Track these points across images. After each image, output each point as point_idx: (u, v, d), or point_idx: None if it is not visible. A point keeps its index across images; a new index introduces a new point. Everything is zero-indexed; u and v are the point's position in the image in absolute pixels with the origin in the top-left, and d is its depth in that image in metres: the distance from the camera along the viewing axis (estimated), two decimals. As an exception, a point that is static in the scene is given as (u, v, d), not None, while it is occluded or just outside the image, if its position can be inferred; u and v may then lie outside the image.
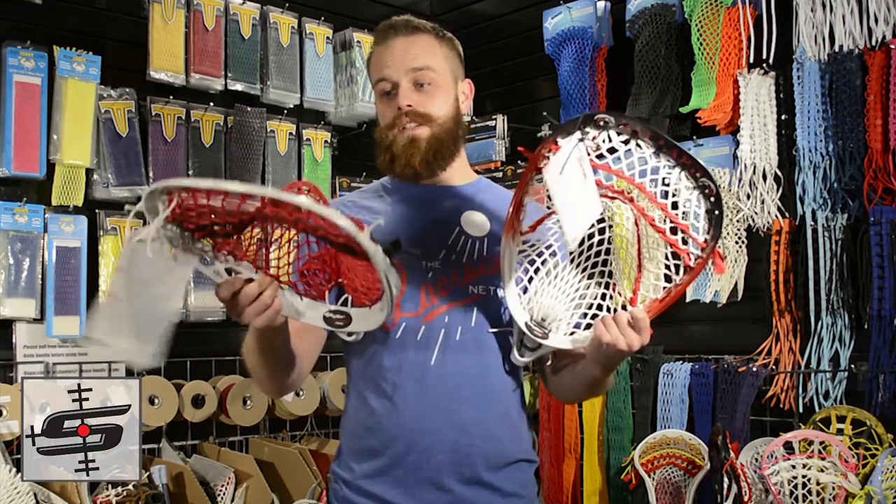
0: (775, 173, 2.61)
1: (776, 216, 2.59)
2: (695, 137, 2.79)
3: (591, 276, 1.46)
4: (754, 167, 2.62)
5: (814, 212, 2.50)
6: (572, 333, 1.44)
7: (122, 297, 1.23)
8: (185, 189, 1.18)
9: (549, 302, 1.44)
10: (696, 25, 2.76)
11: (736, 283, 2.70)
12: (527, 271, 1.46)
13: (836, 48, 2.46)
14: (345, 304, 1.37)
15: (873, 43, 2.41)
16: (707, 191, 1.30)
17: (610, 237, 1.46)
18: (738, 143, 2.66)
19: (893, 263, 2.34)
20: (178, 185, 1.18)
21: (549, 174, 1.26)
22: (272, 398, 2.95)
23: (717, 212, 1.30)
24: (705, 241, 1.31)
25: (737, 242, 2.70)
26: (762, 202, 2.62)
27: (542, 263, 1.46)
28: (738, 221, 2.68)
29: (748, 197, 2.64)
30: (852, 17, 2.43)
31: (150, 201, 1.20)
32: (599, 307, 1.44)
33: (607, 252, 1.46)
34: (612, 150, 1.31)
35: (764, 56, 2.60)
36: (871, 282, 2.37)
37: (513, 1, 3.46)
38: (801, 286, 2.52)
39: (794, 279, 2.55)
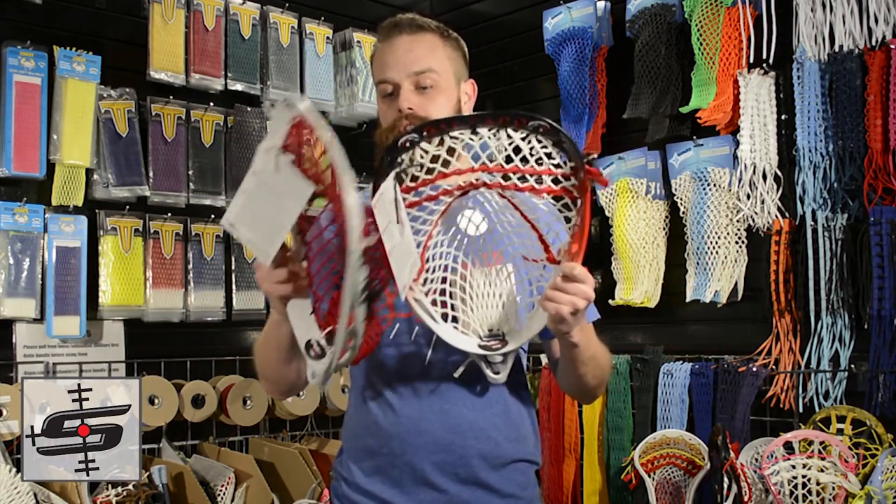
0: (775, 173, 2.61)
1: (776, 216, 2.59)
2: (695, 137, 2.79)
3: (492, 264, 1.43)
4: (754, 167, 2.62)
5: (814, 212, 2.50)
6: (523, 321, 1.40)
7: (251, 196, 1.27)
8: (305, 122, 1.20)
9: (482, 311, 1.40)
10: (696, 25, 2.76)
11: (736, 283, 2.70)
12: (443, 302, 1.40)
13: (836, 48, 2.46)
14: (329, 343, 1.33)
15: (873, 43, 2.41)
16: (542, 129, 1.27)
17: (485, 225, 1.44)
18: (738, 143, 2.66)
19: (893, 263, 2.34)
20: (306, 114, 1.19)
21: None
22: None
23: (561, 138, 1.27)
24: (572, 169, 1.28)
25: (737, 242, 2.70)
26: (762, 202, 2.62)
27: (451, 284, 1.41)
28: (738, 221, 2.68)
29: (748, 197, 2.64)
30: (852, 17, 2.43)
31: (279, 115, 1.23)
32: (529, 283, 1.42)
33: (491, 236, 1.44)
34: (435, 158, 1.31)
35: (764, 56, 2.60)
36: (871, 282, 2.37)
37: (513, 1, 3.46)
38: (801, 286, 2.52)
39: (794, 279, 2.55)
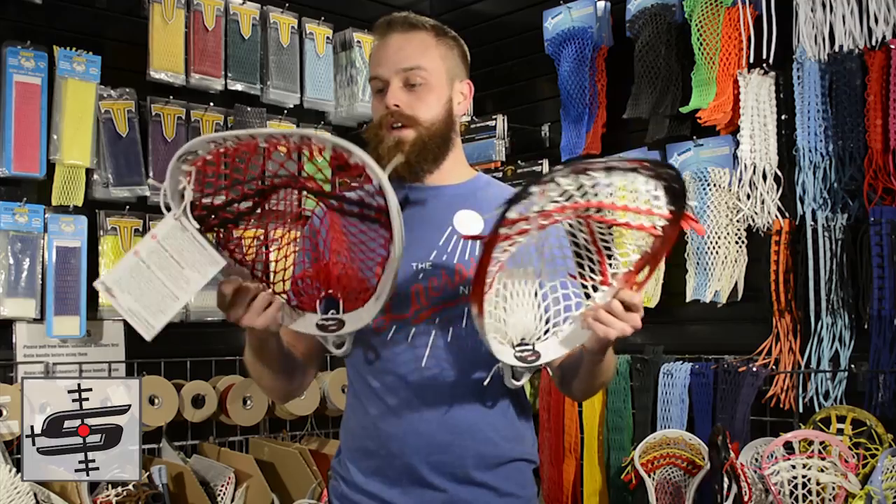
0: (775, 173, 2.61)
1: (776, 216, 2.59)
2: (695, 137, 2.79)
3: (540, 275, 1.43)
4: (754, 167, 2.62)
5: (814, 212, 2.50)
6: (554, 333, 1.42)
7: (145, 260, 1.25)
8: (210, 143, 1.22)
9: (519, 320, 1.41)
10: (696, 25, 2.76)
11: (736, 283, 2.70)
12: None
13: (836, 48, 2.46)
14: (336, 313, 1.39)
15: (873, 43, 2.41)
16: (664, 175, 1.28)
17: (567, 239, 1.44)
18: (738, 143, 2.66)
19: (893, 263, 2.34)
20: (202, 141, 1.22)
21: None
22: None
23: (675, 185, 1.28)
24: (670, 211, 1.30)
25: (737, 242, 2.70)
26: (762, 202, 2.62)
27: (497, 291, 1.41)
28: (738, 221, 2.68)
29: (748, 197, 2.64)
30: (852, 17, 2.43)
31: (173, 177, 1.24)
32: (568, 299, 1.42)
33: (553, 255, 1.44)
34: (565, 194, 1.29)
35: (764, 56, 2.60)
36: (871, 282, 2.37)
37: (513, 1, 3.46)
38: (801, 286, 2.52)
39: (794, 279, 2.55)
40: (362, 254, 1.37)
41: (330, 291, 1.38)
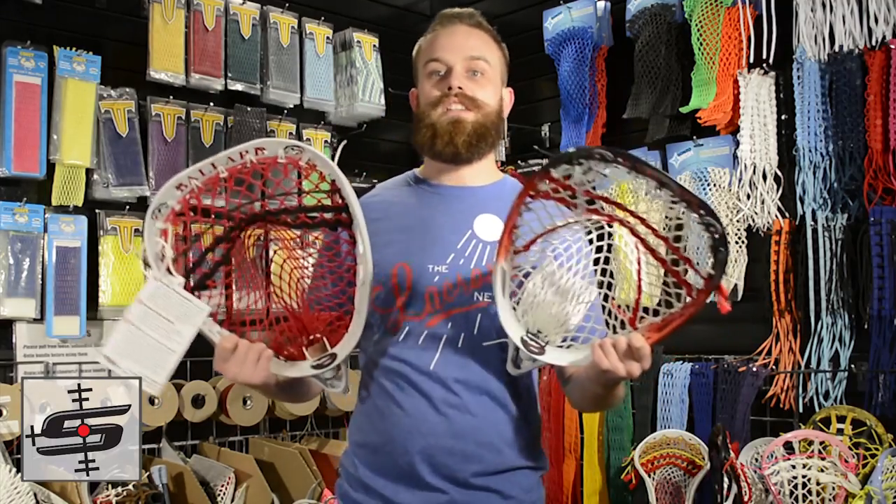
0: (775, 173, 2.61)
1: (776, 216, 2.60)
2: (695, 137, 2.79)
3: (586, 288, 1.42)
4: (754, 167, 2.62)
5: (814, 212, 2.50)
6: (569, 346, 1.40)
7: (136, 324, 1.31)
8: (176, 188, 1.29)
9: (544, 315, 1.40)
10: (696, 25, 2.76)
11: (736, 284, 2.70)
12: (521, 285, 1.42)
13: (836, 48, 2.46)
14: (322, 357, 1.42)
15: (873, 43, 2.41)
16: (712, 229, 1.27)
17: (609, 255, 1.44)
18: (738, 143, 2.66)
19: (893, 263, 2.34)
20: (169, 188, 1.29)
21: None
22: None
23: (721, 249, 1.28)
24: (709, 275, 1.30)
25: (737, 242, 2.70)
26: (762, 202, 2.62)
27: (537, 275, 1.41)
28: (738, 221, 2.68)
29: (748, 197, 2.64)
30: (852, 17, 2.44)
31: (150, 238, 1.31)
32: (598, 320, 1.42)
33: (606, 265, 1.44)
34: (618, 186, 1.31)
35: (764, 56, 2.60)
36: (871, 282, 2.37)
37: (513, 1, 3.46)
38: (801, 286, 2.52)
39: (794, 279, 2.55)
40: (333, 284, 1.41)
41: (312, 337, 1.42)
